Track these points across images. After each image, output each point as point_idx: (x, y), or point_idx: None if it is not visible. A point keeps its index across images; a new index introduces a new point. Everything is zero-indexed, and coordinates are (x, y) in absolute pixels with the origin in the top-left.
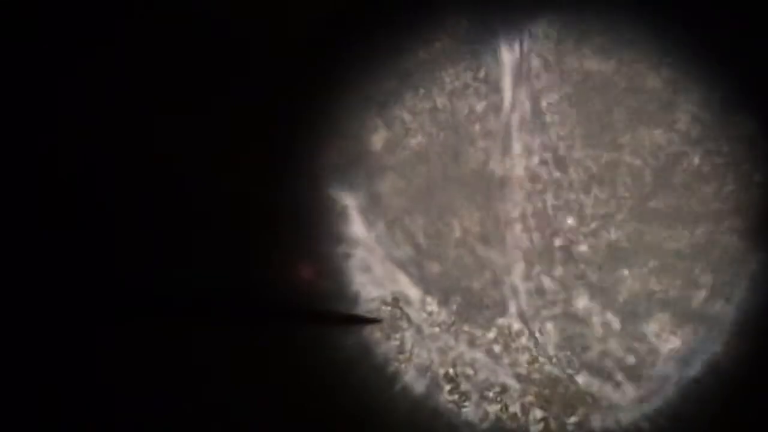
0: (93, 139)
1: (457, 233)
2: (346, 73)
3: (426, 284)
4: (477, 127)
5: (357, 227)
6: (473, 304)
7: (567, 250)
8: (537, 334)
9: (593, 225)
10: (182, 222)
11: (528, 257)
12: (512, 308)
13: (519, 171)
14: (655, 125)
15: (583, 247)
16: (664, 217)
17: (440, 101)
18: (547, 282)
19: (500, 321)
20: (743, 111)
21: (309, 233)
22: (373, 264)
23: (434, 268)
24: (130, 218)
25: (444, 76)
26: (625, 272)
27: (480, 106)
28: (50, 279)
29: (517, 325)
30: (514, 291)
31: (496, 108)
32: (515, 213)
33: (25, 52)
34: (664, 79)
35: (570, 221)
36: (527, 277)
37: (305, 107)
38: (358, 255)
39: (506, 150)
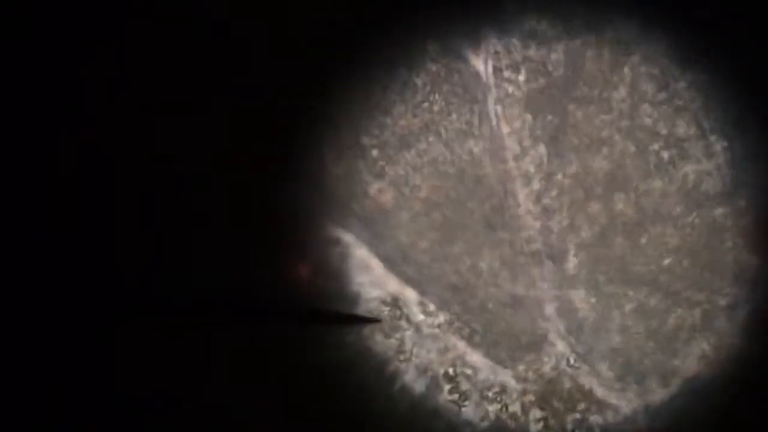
0: (93, 139)
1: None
2: (346, 73)
3: (424, 284)
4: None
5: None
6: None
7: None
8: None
9: (590, 232)
10: (182, 222)
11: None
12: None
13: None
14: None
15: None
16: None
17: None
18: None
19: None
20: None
21: (309, 233)
22: (373, 264)
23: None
24: (130, 218)
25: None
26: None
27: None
28: (50, 279)
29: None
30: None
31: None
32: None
33: (25, 52)
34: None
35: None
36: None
37: (305, 107)
38: (358, 255)
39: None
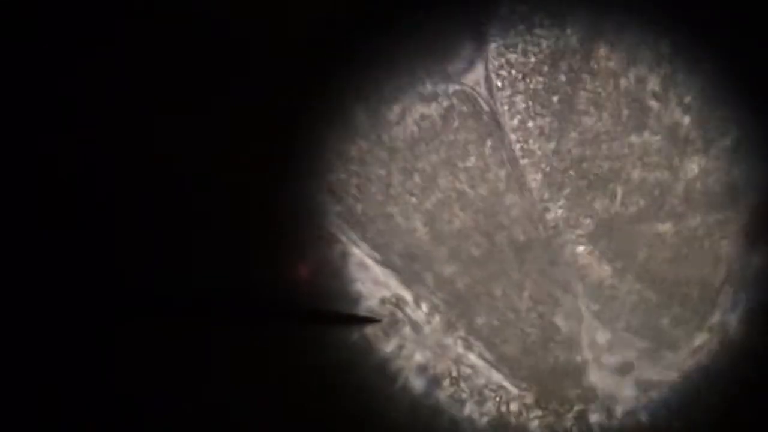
0: (93, 139)
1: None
2: (346, 73)
3: (423, 285)
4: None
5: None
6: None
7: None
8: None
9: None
10: (182, 222)
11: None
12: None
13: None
14: (655, 131)
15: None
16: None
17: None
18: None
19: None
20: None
21: (309, 233)
22: (373, 264)
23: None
24: (130, 218)
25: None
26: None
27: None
28: (50, 279)
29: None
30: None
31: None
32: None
33: (25, 52)
34: (664, 81)
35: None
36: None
37: (305, 107)
38: (358, 255)
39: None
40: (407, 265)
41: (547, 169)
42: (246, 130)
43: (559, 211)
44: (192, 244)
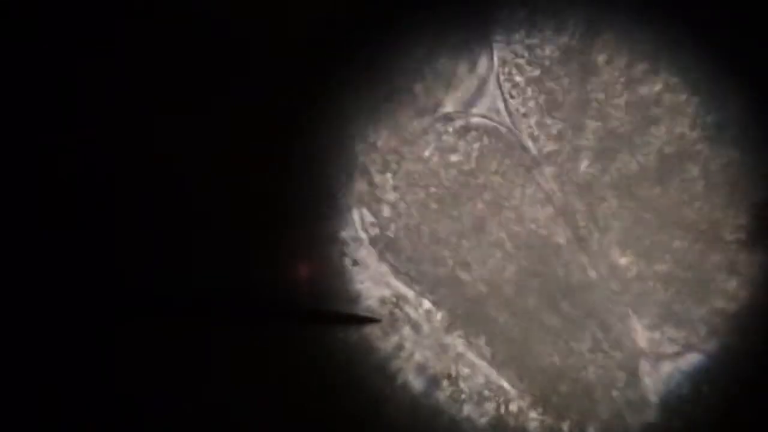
0: (93, 139)
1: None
2: (346, 73)
3: (423, 284)
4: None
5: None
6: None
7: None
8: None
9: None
10: (182, 222)
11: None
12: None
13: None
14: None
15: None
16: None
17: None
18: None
19: None
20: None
21: (309, 233)
22: (373, 264)
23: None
24: (130, 218)
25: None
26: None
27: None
28: (51, 279)
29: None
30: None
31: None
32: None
33: (25, 52)
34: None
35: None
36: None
37: (305, 107)
38: (358, 255)
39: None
40: (408, 265)
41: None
42: (246, 130)
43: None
44: (192, 244)
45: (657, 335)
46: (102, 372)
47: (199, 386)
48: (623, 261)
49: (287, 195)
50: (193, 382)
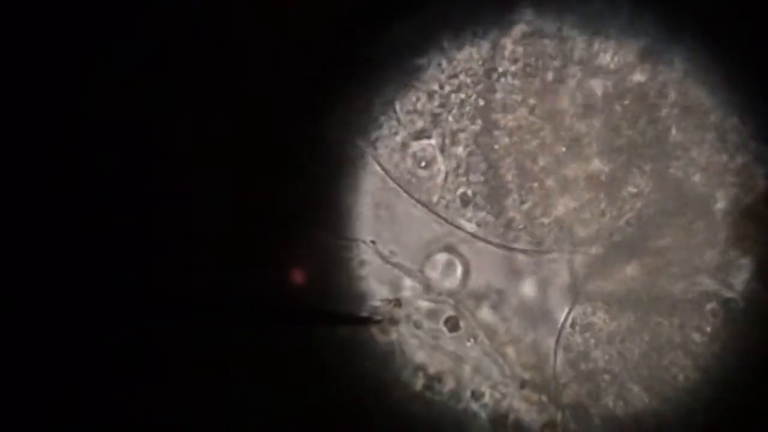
0: (96, 140)
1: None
2: (347, 73)
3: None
4: None
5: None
6: None
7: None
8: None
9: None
10: (183, 222)
11: None
12: None
13: None
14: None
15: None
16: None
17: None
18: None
19: None
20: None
21: (310, 233)
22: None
23: None
24: (132, 219)
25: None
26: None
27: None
28: (54, 279)
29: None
30: None
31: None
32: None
33: (28, 55)
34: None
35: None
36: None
37: (305, 107)
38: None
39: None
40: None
41: None
42: (246, 130)
43: None
44: (192, 244)
45: None
46: (104, 372)
47: (199, 386)
48: None
49: (287, 195)
50: (194, 382)
